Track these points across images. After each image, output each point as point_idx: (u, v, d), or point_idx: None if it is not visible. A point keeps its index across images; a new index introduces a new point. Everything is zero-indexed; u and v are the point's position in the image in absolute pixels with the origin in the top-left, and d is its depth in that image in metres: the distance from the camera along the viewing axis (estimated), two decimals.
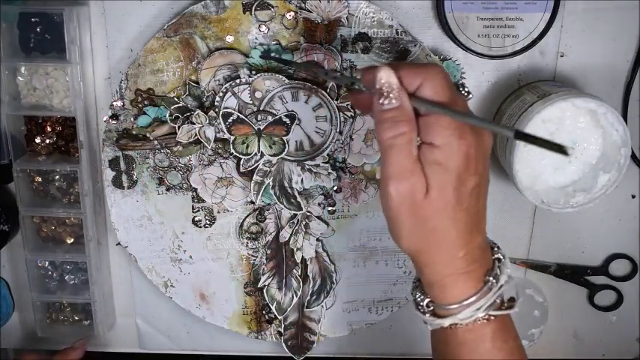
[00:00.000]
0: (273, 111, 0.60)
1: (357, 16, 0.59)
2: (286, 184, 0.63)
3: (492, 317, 0.43)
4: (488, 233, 0.65)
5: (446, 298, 0.44)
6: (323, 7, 0.58)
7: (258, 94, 0.60)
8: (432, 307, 0.45)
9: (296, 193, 0.63)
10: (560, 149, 0.36)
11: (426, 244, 0.43)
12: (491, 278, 0.44)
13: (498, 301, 0.44)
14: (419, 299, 0.46)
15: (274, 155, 0.61)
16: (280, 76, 0.59)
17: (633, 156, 0.64)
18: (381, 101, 0.42)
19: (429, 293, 0.45)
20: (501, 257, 0.46)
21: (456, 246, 0.43)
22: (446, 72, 0.43)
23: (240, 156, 0.61)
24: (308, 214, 0.64)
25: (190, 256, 0.66)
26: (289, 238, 0.64)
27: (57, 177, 0.66)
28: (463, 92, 0.45)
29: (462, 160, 0.41)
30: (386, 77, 0.42)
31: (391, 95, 0.42)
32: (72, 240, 0.67)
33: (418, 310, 0.46)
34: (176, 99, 0.61)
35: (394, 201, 0.42)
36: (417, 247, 0.44)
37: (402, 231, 0.43)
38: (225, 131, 0.60)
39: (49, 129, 0.64)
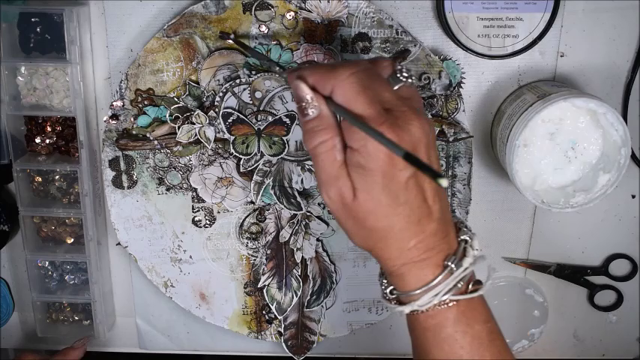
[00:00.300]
0: (273, 111, 0.60)
1: (357, 16, 0.59)
2: (286, 184, 0.63)
3: (454, 302, 0.43)
4: (488, 233, 0.65)
5: (405, 286, 0.44)
6: (323, 7, 0.58)
7: (258, 94, 0.60)
8: (395, 295, 0.46)
9: (296, 193, 0.63)
10: (435, 175, 0.35)
11: (372, 242, 0.44)
12: (450, 263, 0.43)
13: (461, 285, 0.43)
14: (383, 287, 0.47)
15: (274, 155, 0.61)
16: (280, 76, 0.59)
17: (633, 156, 0.64)
18: (302, 112, 0.42)
19: (390, 281, 0.46)
20: (467, 239, 0.45)
21: (403, 239, 0.43)
22: (358, 71, 0.41)
23: (240, 156, 0.61)
24: (308, 214, 0.64)
25: (190, 256, 0.66)
26: (289, 238, 0.64)
27: (57, 177, 0.66)
28: (401, 77, 0.43)
29: (383, 160, 0.40)
30: (299, 91, 0.42)
31: (308, 106, 0.42)
32: (72, 240, 0.67)
33: (384, 297, 0.47)
34: (176, 99, 0.61)
35: (330, 206, 0.44)
36: (364, 244, 0.44)
37: (347, 231, 0.45)
38: (225, 131, 0.60)
39: (49, 129, 0.64)
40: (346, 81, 0.41)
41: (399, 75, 0.44)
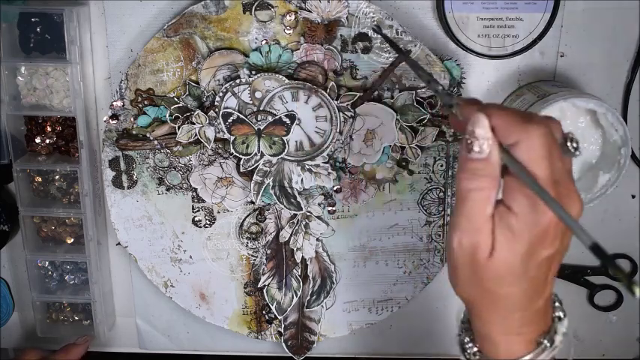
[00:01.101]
0: (273, 111, 0.60)
1: (357, 16, 0.59)
2: (286, 184, 0.63)
3: None
4: None
5: (496, 354, 0.43)
6: (323, 7, 0.58)
7: (258, 94, 0.60)
8: (478, 357, 0.44)
9: (296, 193, 0.63)
10: (630, 283, 0.33)
11: (480, 300, 0.42)
12: (545, 341, 0.42)
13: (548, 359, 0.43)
14: (467, 345, 0.45)
15: (274, 155, 0.61)
16: (280, 76, 0.59)
17: (633, 156, 0.64)
18: (468, 147, 0.38)
19: (478, 342, 0.44)
20: (561, 316, 0.44)
21: (512, 310, 0.41)
22: (549, 132, 0.38)
23: (240, 156, 0.61)
24: (308, 214, 0.64)
25: (190, 256, 0.66)
26: (289, 238, 0.64)
27: (57, 177, 0.66)
28: (570, 147, 0.40)
29: (537, 234, 0.38)
30: (478, 128, 0.38)
31: (480, 145, 0.38)
32: (72, 240, 0.67)
33: (464, 354, 0.45)
34: (176, 99, 0.61)
35: (454, 251, 0.40)
36: (470, 298, 0.43)
37: (457, 279, 0.42)
38: (225, 131, 0.60)
39: (49, 129, 0.64)
40: (537, 140, 0.37)
41: (568, 144, 0.40)
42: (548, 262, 0.40)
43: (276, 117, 0.60)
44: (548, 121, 0.39)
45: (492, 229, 0.39)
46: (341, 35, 0.59)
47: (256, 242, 0.65)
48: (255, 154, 0.61)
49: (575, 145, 0.40)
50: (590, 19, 0.61)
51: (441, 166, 0.63)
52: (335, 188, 0.63)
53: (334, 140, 0.61)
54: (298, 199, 0.63)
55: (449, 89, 0.61)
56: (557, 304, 0.45)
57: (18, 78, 0.62)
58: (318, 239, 0.65)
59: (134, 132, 0.62)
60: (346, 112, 0.60)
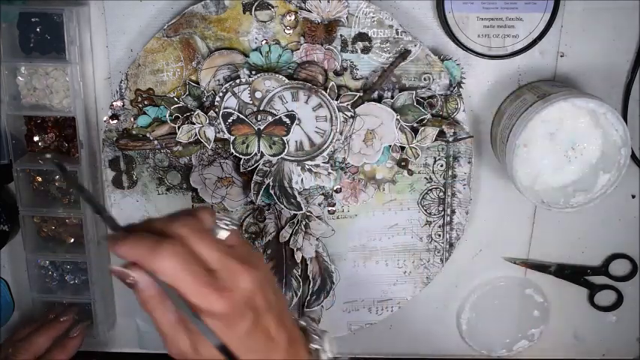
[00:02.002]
0: (273, 111, 0.60)
1: (357, 16, 0.59)
2: (286, 184, 0.63)
3: None
4: (488, 233, 0.65)
5: None
6: (323, 7, 0.58)
7: (258, 94, 0.60)
8: None
9: (296, 193, 0.63)
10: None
11: None
12: None
13: None
14: None
15: (274, 155, 0.61)
16: (280, 76, 0.59)
17: (633, 156, 0.64)
18: (126, 285, 0.42)
19: None
20: (318, 347, 0.47)
21: None
22: (179, 249, 0.40)
23: (240, 156, 0.61)
24: (308, 214, 0.64)
25: None
26: (289, 238, 0.64)
27: (57, 177, 0.66)
28: (222, 226, 0.44)
29: (218, 324, 0.40)
30: (117, 274, 0.41)
31: (132, 279, 0.41)
32: (72, 240, 0.67)
33: None
34: (176, 99, 0.61)
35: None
36: None
37: None
38: (225, 131, 0.60)
39: (49, 129, 0.64)
40: (167, 263, 0.40)
41: (220, 224, 0.44)
42: (256, 327, 0.42)
43: (276, 117, 0.60)
44: (183, 220, 0.42)
45: (185, 328, 0.42)
46: (341, 35, 0.59)
47: (256, 242, 0.65)
48: (255, 154, 0.61)
49: (226, 222, 0.44)
50: (590, 19, 0.61)
51: (441, 166, 0.63)
52: (335, 188, 0.64)
53: (334, 140, 0.61)
54: (298, 199, 0.63)
55: (450, 89, 0.61)
56: (312, 334, 0.46)
57: (18, 78, 0.62)
58: (318, 239, 0.65)
59: (134, 132, 0.62)
60: (346, 112, 0.60)
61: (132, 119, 0.61)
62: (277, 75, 0.59)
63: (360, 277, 0.67)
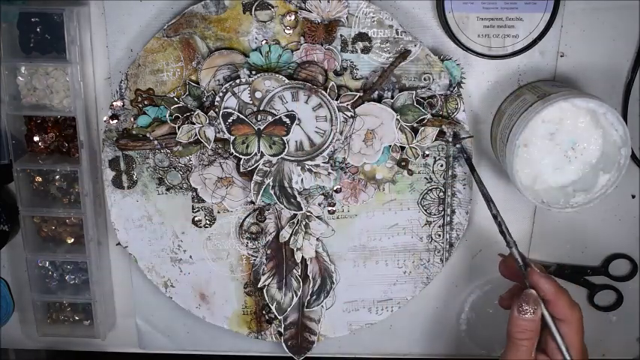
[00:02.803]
0: (273, 111, 0.60)
1: (357, 16, 0.59)
2: (286, 184, 0.63)
3: None
4: (488, 233, 0.65)
5: None
6: (323, 7, 0.58)
7: (258, 94, 0.60)
8: None
9: (296, 193, 0.63)
10: None
11: None
12: None
13: None
14: None
15: (274, 155, 0.61)
16: (280, 76, 0.59)
17: (633, 156, 0.64)
18: (519, 310, 0.52)
19: None
20: None
21: None
22: (582, 317, 0.53)
23: (240, 156, 0.61)
24: (308, 214, 0.64)
25: (190, 256, 0.66)
26: (289, 238, 0.64)
27: (57, 177, 0.66)
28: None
29: None
30: (537, 304, 0.53)
31: (532, 310, 0.52)
32: (72, 240, 0.67)
33: None
34: (176, 99, 0.61)
35: None
36: None
37: None
38: (225, 131, 0.60)
39: (49, 129, 0.64)
40: (578, 322, 0.53)
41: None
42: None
43: (276, 117, 0.60)
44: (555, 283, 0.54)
45: None
46: (341, 35, 0.59)
47: (256, 242, 0.65)
48: (255, 154, 0.61)
49: None
50: (590, 19, 0.61)
51: (441, 166, 0.63)
52: (335, 188, 0.64)
53: (334, 140, 0.61)
54: (298, 199, 0.63)
55: (450, 89, 0.61)
56: None
57: (18, 78, 0.62)
58: (318, 239, 0.65)
59: (134, 132, 0.62)
60: (346, 112, 0.60)
61: (132, 119, 0.61)
62: (277, 75, 0.59)
63: (360, 277, 0.67)
